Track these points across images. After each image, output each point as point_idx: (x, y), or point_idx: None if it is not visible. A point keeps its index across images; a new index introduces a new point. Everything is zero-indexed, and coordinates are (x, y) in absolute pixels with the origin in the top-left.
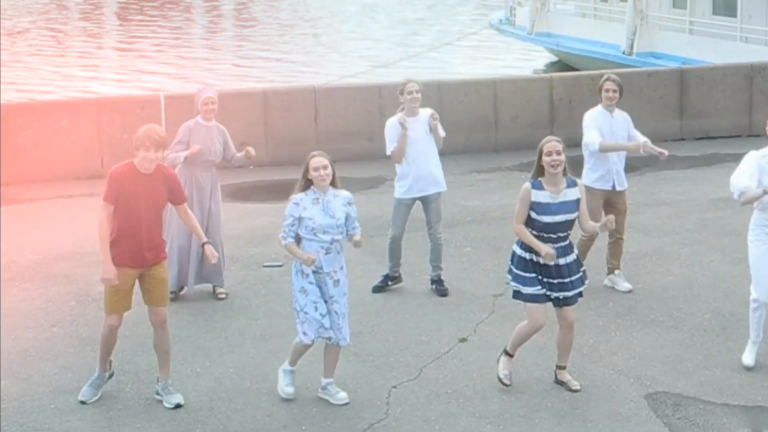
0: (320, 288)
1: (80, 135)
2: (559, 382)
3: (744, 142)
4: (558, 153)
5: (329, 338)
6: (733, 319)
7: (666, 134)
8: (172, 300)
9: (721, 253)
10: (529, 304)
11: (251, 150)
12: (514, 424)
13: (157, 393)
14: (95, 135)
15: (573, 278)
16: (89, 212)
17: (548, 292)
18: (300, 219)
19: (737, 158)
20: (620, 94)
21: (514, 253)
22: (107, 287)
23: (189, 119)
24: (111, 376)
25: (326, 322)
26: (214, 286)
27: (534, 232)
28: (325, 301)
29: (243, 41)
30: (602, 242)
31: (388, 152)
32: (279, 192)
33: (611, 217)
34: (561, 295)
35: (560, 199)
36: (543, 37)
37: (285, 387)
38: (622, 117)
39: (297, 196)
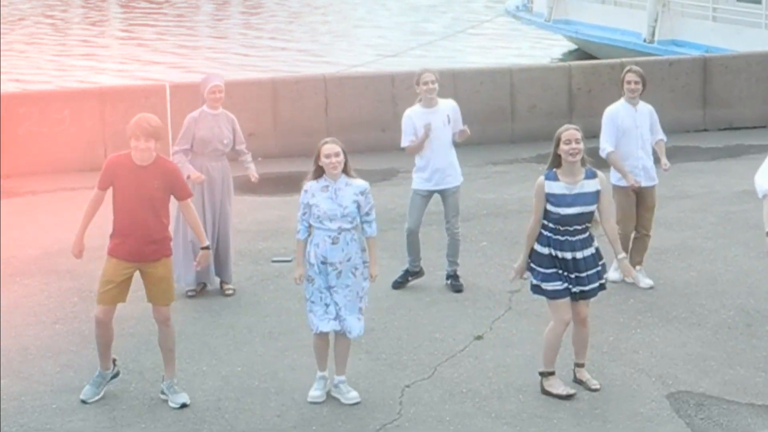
0: (324, 278)
1: (83, 126)
2: (578, 381)
3: None
4: (577, 141)
5: (334, 329)
6: (758, 316)
7: (688, 125)
8: (191, 297)
9: (745, 247)
10: (552, 301)
11: (253, 177)
12: (532, 425)
13: (162, 392)
14: (98, 126)
15: (590, 272)
16: None
17: (568, 285)
18: (309, 206)
19: (762, 150)
20: (643, 86)
21: (536, 252)
22: (101, 277)
23: (195, 109)
24: (116, 375)
25: (331, 310)
26: (221, 282)
27: (550, 224)
28: (329, 292)
29: (249, 29)
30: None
31: (403, 145)
32: (288, 184)
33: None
34: (577, 289)
35: (577, 190)
36: (561, 24)
37: (311, 391)
38: (647, 110)
39: (307, 184)
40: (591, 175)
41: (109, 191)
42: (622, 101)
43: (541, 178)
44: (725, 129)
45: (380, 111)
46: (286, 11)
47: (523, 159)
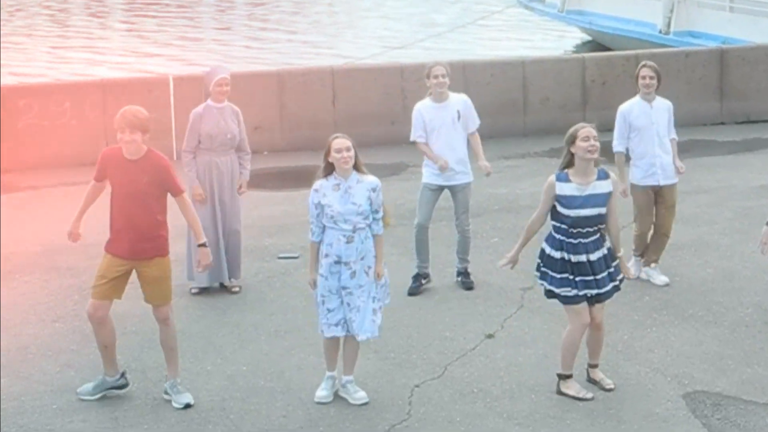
0: (336, 279)
1: (84, 119)
2: (592, 381)
3: None
4: (595, 138)
5: (336, 335)
6: None
7: (705, 117)
8: (196, 294)
9: None
10: (568, 306)
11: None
12: (545, 425)
13: (166, 392)
14: (100, 119)
15: (603, 275)
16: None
17: (582, 291)
18: (321, 206)
19: None
20: (658, 80)
21: (543, 251)
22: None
23: (199, 101)
24: (120, 387)
25: (332, 317)
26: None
27: (563, 227)
28: (339, 293)
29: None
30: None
31: (412, 139)
32: (295, 179)
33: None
34: (592, 292)
35: (588, 191)
36: (575, 15)
37: (318, 391)
38: (664, 106)
39: (317, 183)
40: (604, 176)
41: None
42: (636, 98)
43: (552, 177)
44: (743, 122)
45: (389, 103)
46: (291, 1)
47: (536, 153)
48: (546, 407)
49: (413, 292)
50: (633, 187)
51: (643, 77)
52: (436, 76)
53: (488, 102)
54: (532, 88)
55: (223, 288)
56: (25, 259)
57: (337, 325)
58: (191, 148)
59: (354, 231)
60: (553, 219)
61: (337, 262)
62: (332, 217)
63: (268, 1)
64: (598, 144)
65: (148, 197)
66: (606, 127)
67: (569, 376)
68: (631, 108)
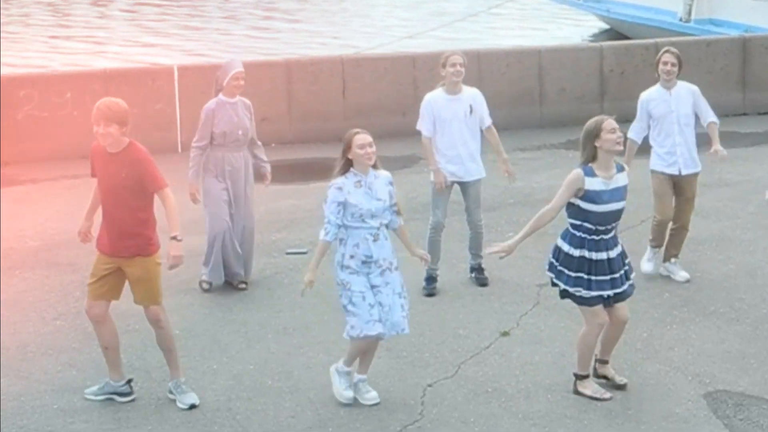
0: (366, 277)
1: (86, 110)
2: (601, 377)
3: None
4: (619, 129)
5: (380, 332)
6: None
7: (727, 108)
8: (206, 291)
9: None
10: (583, 307)
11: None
12: (561, 426)
13: (170, 392)
14: None
15: (620, 273)
16: None
17: (600, 292)
18: (344, 205)
19: None
20: (679, 68)
21: (559, 249)
22: None
23: (204, 92)
24: (125, 394)
25: (375, 313)
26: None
27: (587, 224)
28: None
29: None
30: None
31: (418, 127)
32: (303, 172)
33: None
34: (611, 292)
35: (612, 185)
36: (592, 2)
37: (344, 391)
38: (685, 92)
39: (338, 181)
40: (621, 169)
41: None
42: (656, 87)
43: (579, 170)
44: (766, 113)
45: (401, 94)
46: None
47: (552, 145)
48: (563, 407)
49: (431, 293)
50: (652, 173)
51: (665, 63)
52: (453, 65)
53: (503, 92)
54: (548, 78)
55: (229, 284)
56: (25, 255)
57: (379, 320)
58: (202, 145)
59: (379, 228)
60: (572, 217)
61: (365, 262)
62: (361, 215)
63: None
64: (622, 135)
65: (126, 192)
66: (624, 119)
67: (586, 376)
68: (650, 96)
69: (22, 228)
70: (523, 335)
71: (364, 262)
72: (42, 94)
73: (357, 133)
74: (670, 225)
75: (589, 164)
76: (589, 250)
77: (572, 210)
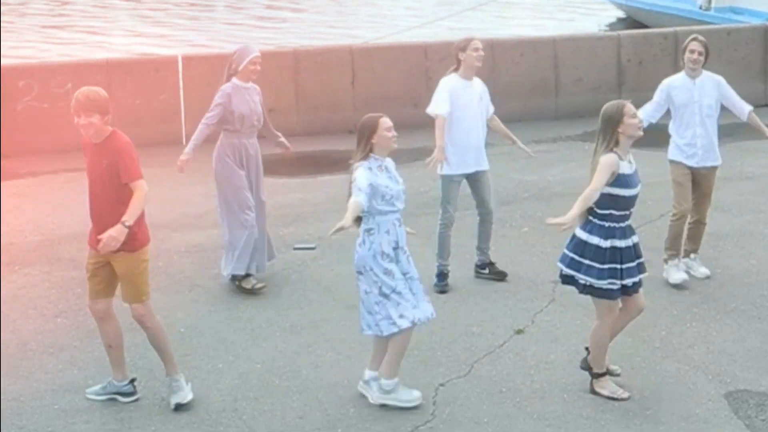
0: (398, 265)
1: None
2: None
3: None
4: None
5: (418, 319)
6: None
7: (748, 99)
8: (256, 287)
9: None
10: (606, 301)
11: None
12: (578, 427)
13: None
14: None
15: (641, 260)
16: None
17: (631, 279)
18: (374, 188)
19: None
20: (706, 57)
21: (585, 244)
22: None
23: (210, 83)
24: (129, 394)
25: (413, 300)
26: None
27: (615, 212)
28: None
29: None
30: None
31: (434, 111)
32: (311, 165)
33: None
34: (630, 281)
35: (633, 168)
36: None
37: (410, 395)
38: (710, 82)
39: (365, 163)
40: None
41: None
42: (681, 74)
43: (613, 155)
44: None
45: (412, 85)
46: None
47: (568, 137)
48: (579, 407)
49: (443, 290)
50: (671, 164)
51: (692, 51)
52: (476, 48)
53: (518, 83)
54: (564, 68)
55: (234, 280)
56: (25, 250)
57: (415, 308)
58: (212, 123)
59: (400, 212)
60: (600, 207)
61: (395, 249)
62: (391, 197)
63: None
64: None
65: (107, 183)
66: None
67: (603, 375)
68: (673, 83)
69: (22, 222)
70: (538, 333)
71: (394, 249)
72: (42, 84)
73: (381, 116)
74: (687, 219)
75: (615, 149)
76: (618, 238)
77: (602, 199)
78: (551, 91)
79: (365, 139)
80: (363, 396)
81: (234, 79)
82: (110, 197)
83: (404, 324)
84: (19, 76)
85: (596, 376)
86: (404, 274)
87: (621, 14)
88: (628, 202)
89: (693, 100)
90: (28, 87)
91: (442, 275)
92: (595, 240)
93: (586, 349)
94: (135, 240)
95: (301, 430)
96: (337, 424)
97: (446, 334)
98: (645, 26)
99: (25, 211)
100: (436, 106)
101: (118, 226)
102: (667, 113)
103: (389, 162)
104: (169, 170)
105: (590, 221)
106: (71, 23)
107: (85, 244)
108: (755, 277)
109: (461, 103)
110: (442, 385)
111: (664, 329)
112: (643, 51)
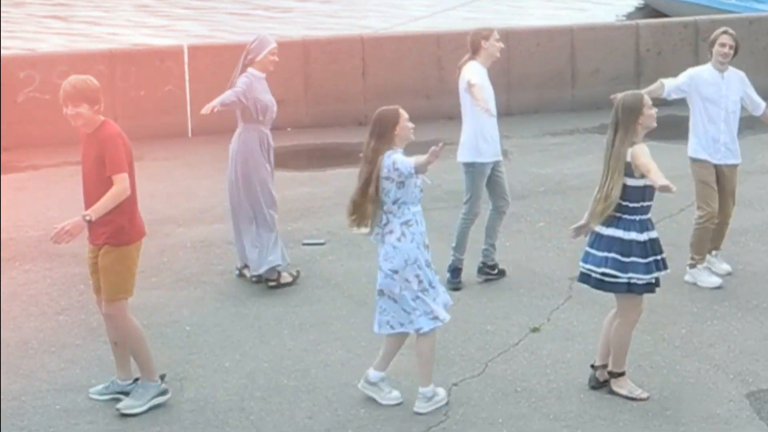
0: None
1: None
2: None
3: None
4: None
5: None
6: None
7: None
8: (274, 287)
9: None
10: (636, 297)
11: None
12: (595, 427)
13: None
14: (108, 91)
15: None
16: None
17: (663, 271)
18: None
19: None
20: (735, 51)
21: (629, 243)
22: None
23: (216, 73)
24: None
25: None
26: (245, 266)
27: (645, 204)
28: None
29: None
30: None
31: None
32: (320, 158)
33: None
34: (663, 273)
35: None
36: None
37: (440, 396)
38: (736, 77)
39: (396, 150)
40: None
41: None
42: (707, 66)
43: (644, 145)
44: None
45: (424, 75)
46: None
47: (585, 129)
48: (596, 408)
49: (457, 287)
50: (692, 162)
51: (722, 44)
52: (497, 39)
53: (533, 73)
54: (581, 58)
55: (242, 276)
56: (26, 246)
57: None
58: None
59: None
60: (633, 200)
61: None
62: (419, 185)
63: None
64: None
65: (96, 175)
66: (661, 101)
67: (622, 374)
68: (701, 74)
69: (22, 217)
70: (554, 331)
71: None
72: (43, 75)
73: (398, 108)
74: (714, 221)
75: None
76: (650, 230)
77: (633, 192)
78: (568, 82)
79: (390, 131)
80: (371, 398)
81: (251, 69)
82: (100, 189)
83: (435, 324)
84: (20, 66)
85: (615, 375)
86: (428, 266)
87: (639, 3)
88: (653, 192)
89: (721, 95)
90: (30, 78)
91: (456, 271)
92: (633, 235)
93: (592, 366)
94: (121, 234)
95: (309, 430)
96: (347, 424)
97: (460, 332)
98: (664, 15)
99: (26, 206)
100: (476, 78)
101: (77, 219)
102: (681, 105)
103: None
104: (174, 163)
105: (619, 218)
106: (70, 13)
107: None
108: None
109: (490, 91)
110: (455, 384)
111: (684, 327)
112: (662, 40)
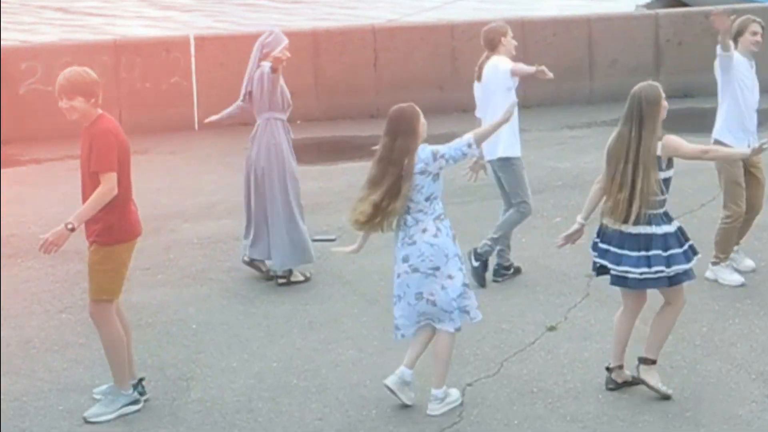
0: None
1: None
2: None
3: None
4: None
5: None
6: None
7: None
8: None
9: None
10: (682, 285)
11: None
12: (614, 429)
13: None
14: (112, 83)
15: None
16: None
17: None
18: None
19: None
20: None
21: (665, 236)
22: None
23: (223, 64)
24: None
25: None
26: (258, 262)
27: (666, 195)
28: None
29: None
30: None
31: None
32: (331, 151)
33: None
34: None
35: None
36: None
37: (455, 397)
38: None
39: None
40: None
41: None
42: (735, 53)
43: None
44: None
45: (438, 66)
46: None
47: (603, 122)
48: (615, 409)
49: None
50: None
51: (755, 33)
52: (512, 36)
53: (550, 64)
54: (599, 49)
55: (251, 265)
56: (28, 242)
57: None
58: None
59: None
60: (665, 191)
61: None
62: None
63: None
64: None
65: (87, 170)
66: (682, 93)
67: (654, 362)
68: (741, 61)
69: (24, 212)
70: (571, 330)
71: None
72: (46, 66)
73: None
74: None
75: None
76: (673, 218)
77: (667, 183)
78: (585, 74)
79: (416, 127)
80: (388, 396)
81: (264, 63)
82: (92, 185)
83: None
84: (22, 57)
85: (649, 362)
86: None
87: None
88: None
89: (754, 83)
90: (32, 69)
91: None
92: (665, 228)
93: (607, 369)
94: (110, 233)
95: None
96: (358, 426)
97: (474, 331)
98: (685, 4)
99: (28, 201)
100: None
101: (59, 229)
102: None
103: None
104: (180, 157)
105: (648, 214)
106: (68, 3)
107: None
108: None
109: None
110: (469, 385)
111: (705, 326)
112: (683, 31)
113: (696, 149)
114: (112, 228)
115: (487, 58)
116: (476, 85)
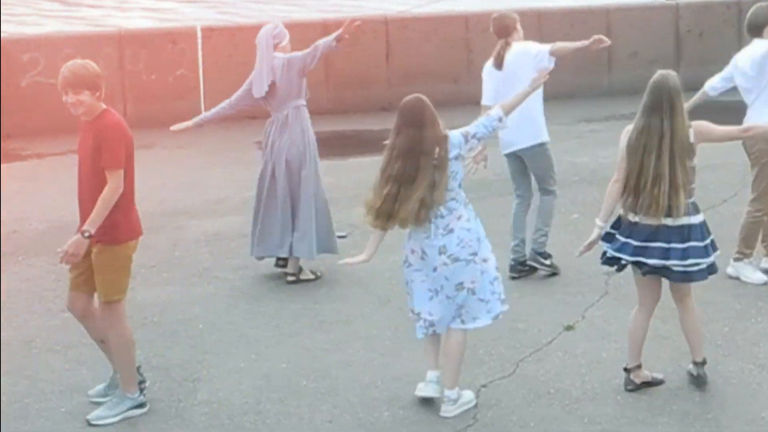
0: None
1: None
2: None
3: None
4: None
5: None
6: None
7: None
8: (293, 282)
9: None
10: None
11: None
12: (633, 431)
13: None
14: (116, 76)
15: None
16: None
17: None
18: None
19: None
20: None
21: (700, 226)
22: None
23: (231, 55)
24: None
25: None
26: (279, 259)
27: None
28: None
29: None
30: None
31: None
32: (341, 146)
33: None
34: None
35: None
36: None
37: (469, 399)
38: None
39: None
40: None
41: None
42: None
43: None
44: None
45: (451, 58)
46: None
47: (622, 115)
48: (634, 410)
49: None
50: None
51: None
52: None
53: (567, 56)
54: (617, 40)
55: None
56: (30, 239)
57: None
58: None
59: None
60: (693, 183)
61: None
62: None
63: None
64: None
65: (90, 166)
66: (702, 86)
67: (705, 362)
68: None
69: (26, 209)
70: (589, 329)
71: None
72: (48, 58)
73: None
74: None
75: None
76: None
77: (694, 174)
78: (603, 66)
79: (436, 114)
80: (400, 398)
81: (278, 53)
82: (94, 181)
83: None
84: (24, 48)
85: (703, 363)
86: None
87: None
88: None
89: None
90: (34, 61)
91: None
92: (699, 218)
93: (625, 370)
94: (116, 231)
95: None
96: (369, 428)
97: (489, 330)
98: None
99: (30, 197)
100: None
101: (77, 239)
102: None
103: None
104: (186, 151)
105: (692, 203)
106: None
107: None
108: None
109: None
110: (484, 386)
111: (727, 325)
112: (703, 21)
113: (732, 129)
114: (118, 225)
115: (507, 44)
116: (493, 73)
